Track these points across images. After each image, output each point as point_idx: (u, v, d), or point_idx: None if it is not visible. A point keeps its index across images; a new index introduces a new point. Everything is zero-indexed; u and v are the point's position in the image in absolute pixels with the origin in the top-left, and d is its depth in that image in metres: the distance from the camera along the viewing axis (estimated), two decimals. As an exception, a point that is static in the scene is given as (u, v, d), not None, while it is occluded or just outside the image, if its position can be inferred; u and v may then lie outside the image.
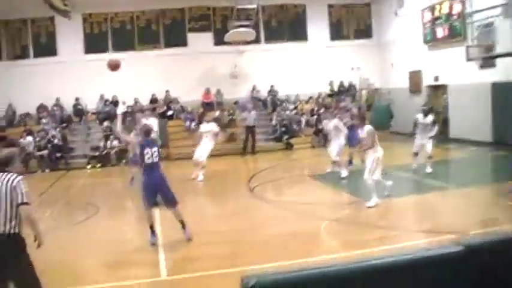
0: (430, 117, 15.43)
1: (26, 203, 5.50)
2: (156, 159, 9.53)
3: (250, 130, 23.94)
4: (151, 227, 9.58)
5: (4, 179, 5.56)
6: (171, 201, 9.57)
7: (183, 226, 9.55)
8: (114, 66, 9.76)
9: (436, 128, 15.58)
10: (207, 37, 27.47)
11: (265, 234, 10.03)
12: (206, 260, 8.79)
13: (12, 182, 5.52)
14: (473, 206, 11.53)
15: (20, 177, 5.59)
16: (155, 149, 9.55)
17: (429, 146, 15.36)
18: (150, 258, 8.92)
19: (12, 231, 5.42)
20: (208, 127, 16.95)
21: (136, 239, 10.27)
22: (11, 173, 5.62)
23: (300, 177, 16.71)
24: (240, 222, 11.35)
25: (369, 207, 10.95)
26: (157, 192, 9.53)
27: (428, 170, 15.07)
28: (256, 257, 8.57)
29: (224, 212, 12.71)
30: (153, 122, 15.06)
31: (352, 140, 15.28)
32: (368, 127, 11.42)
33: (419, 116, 15.45)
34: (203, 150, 16.60)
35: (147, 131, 9.90)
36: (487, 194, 12.52)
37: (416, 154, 15.63)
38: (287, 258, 8.10)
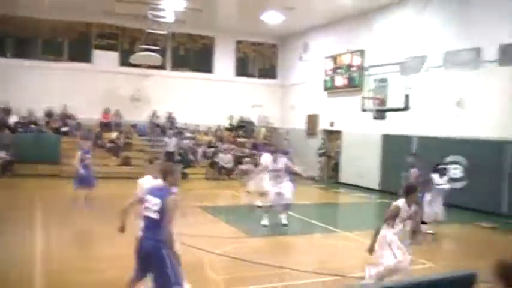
0: (446, 178, 13.63)
1: None
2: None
3: (169, 156, 23.78)
4: None
5: None
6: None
7: None
8: None
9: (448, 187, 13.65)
10: (113, 56, 27.29)
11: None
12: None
13: None
14: (357, 249, 12.07)
15: None
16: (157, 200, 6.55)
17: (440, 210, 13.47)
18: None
19: None
20: None
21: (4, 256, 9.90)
22: None
23: (191, 208, 16.76)
24: (125, 249, 11.24)
25: None
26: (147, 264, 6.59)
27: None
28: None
29: (110, 238, 12.53)
30: None
31: None
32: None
33: (435, 176, 13.55)
34: None
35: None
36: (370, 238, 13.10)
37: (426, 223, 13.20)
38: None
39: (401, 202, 8.23)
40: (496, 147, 16.87)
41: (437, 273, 8.54)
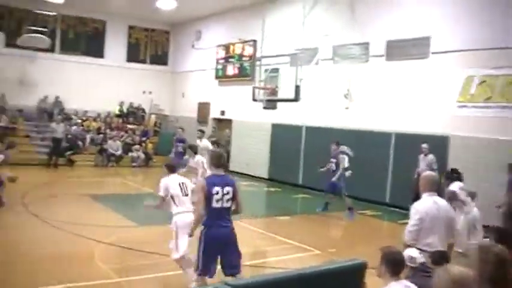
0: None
1: None
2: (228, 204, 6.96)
3: (56, 142, 22.98)
4: None
5: None
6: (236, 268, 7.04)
7: None
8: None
9: None
10: (-2, 37, 25.90)
11: (37, 255, 9.63)
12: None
13: None
14: (246, 238, 12.25)
15: None
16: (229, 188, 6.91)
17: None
18: None
19: None
20: None
21: None
22: None
23: (80, 196, 16.34)
24: (11, 239, 10.89)
25: None
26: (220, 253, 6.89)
27: None
28: (25, 279, 8.25)
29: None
30: None
31: None
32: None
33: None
34: None
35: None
36: (259, 226, 13.38)
37: None
38: (57, 282, 7.96)
39: None
40: (381, 138, 17.59)
41: (328, 262, 8.86)
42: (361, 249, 10.48)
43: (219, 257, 6.84)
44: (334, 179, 15.27)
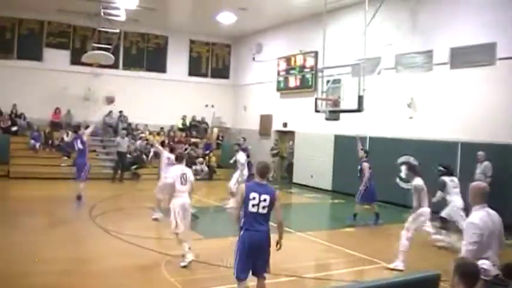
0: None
1: None
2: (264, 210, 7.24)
3: (121, 156, 23.63)
4: None
5: None
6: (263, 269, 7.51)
7: None
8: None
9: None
10: (64, 55, 26.74)
11: (104, 266, 9.81)
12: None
13: None
14: (311, 250, 12.15)
15: None
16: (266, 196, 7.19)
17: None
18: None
19: None
20: None
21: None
22: None
23: (145, 209, 16.52)
24: (79, 252, 11.09)
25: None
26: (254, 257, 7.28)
27: None
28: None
29: (62, 240, 12.28)
30: None
31: None
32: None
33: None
34: None
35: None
36: (324, 238, 13.23)
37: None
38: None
39: None
40: (446, 147, 17.17)
41: (402, 274, 8.67)
42: (429, 261, 10.23)
43: (253, 260, 7.25)
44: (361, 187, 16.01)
